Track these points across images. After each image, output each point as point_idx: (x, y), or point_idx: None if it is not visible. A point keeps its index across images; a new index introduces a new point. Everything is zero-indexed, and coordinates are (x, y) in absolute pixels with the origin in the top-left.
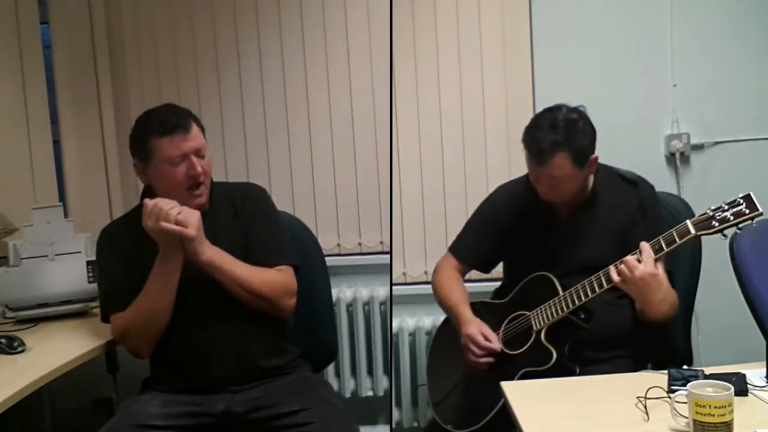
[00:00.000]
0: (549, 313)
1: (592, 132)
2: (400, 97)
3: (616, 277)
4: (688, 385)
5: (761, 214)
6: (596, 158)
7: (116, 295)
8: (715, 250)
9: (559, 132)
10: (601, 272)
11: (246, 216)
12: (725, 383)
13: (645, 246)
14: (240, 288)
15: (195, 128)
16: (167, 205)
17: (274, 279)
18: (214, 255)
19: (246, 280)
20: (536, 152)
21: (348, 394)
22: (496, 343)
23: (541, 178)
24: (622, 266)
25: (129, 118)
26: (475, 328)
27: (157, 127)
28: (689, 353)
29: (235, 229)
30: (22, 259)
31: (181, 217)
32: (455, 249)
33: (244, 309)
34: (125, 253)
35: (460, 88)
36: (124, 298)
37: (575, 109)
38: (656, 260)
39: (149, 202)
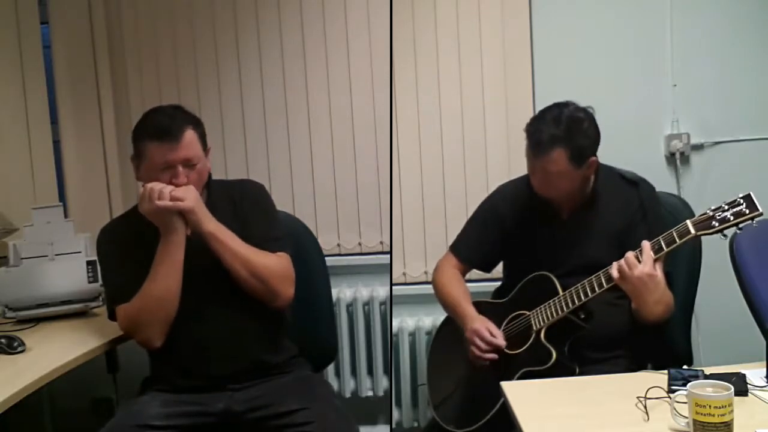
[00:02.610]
0: (549, 312)
1: (595, 134)
2: (400, 97)
3: (615, 274)
4: (688, 385)
5: (761, 214)
6: (595, 161)
7: (121, 287)
8: (715, 250)
9: (561, 128)
10: (601, 272)
11: (244, 211)
12: (725, 383)
13: (646, 245)
14: (240, 266)
15: (189, 137)
16: (159, 185)
17: (273, 262)
18: (217, 228)
19: (247, 257)
20: (535, 143)
21: (348, 394)
22: (500, 339)
23: (536, 170)
24: (623, 263)
25: (129, 118)
26: (481, 323)
27: (150, 130)
28: (689, 353)
29: (234, 225)
30: (22, 259)
31: (175, 193)
32: (456, 248)
33: (242, 305)
34: (126, 249)
35: (460, 88)
36: (129, 290)
37: (583, 109)
38: (655, 261)
39: (143, 187)
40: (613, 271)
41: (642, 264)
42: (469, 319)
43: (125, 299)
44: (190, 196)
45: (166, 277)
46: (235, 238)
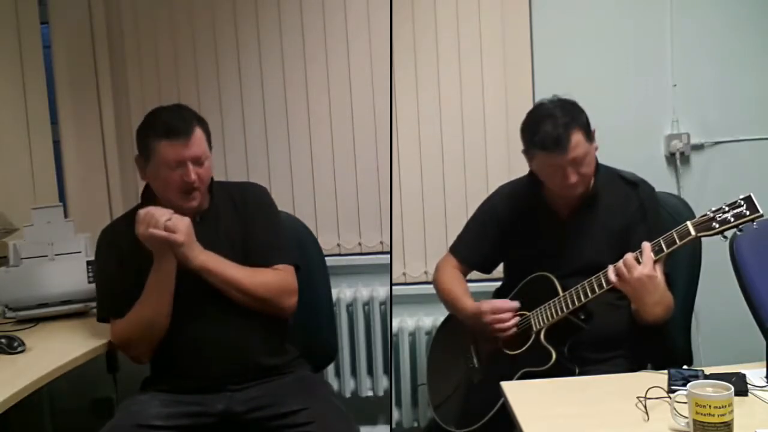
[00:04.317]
0: (549, 313)
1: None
2: (400, 97)
3: (613, 277)
4: (688, 385)
5: (762, 215)
6: (595, 130)
7: (114, 298)
8: (715, 251)
9: (563, 113)
10: (601, 273)
11: (247, 215)
12: (725, 383)
13: (646, 246)
14: (236, 291)
15: (198, 135)
16: (158, 212)
17: (270, 279)
18: (206, 260)
19: (241, 282)
20: (554, 141)
21: (348, 394)
22: (511, 303)
23: (565, 168)
24: (621, 265)
25: (129, 118)
26: (486, 303)
27: (159, 129)
28: (689, 353)
29: (236, 228)
30: (22, 259)
31: (170, 223)
32: (455, 249)
33: (242, 308)
34: (124, 254)
35: (460, 88)
36: (122, 302)
37: (557, 97)
38: (655, 262)
39: (142, 211)
40: (611, 273)
41: (641, 265)
42: (474, 309)
43: (117, 311)
44: (182, 229)
45: (157, 304)
46: (226, 265)
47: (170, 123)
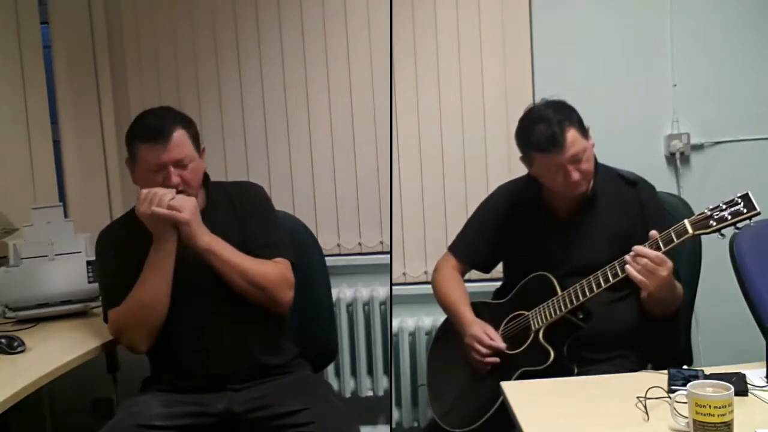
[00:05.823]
0: (547, 312)
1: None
2: (400, 97)
3: (633, 268)
4: (688, 385)
5: (759, 213)
6: (589, 127)
7: (114, 292)
8: (715, 251)
9: (554, 113)
10: (599, 271)
11: (244, 214)
12: (725, 383)
13: (654, 235)
14: (238, 276)
15: (179, 137)
16: (161, 191)
17: (271, 270)
18: (211, 241)
19: (244, 268)
20: (550, 141)
21: (348, 394)
22: (500, 342)
23: (566, 166)
24: (643, 250)
25: (129, 118)
26: (479, 328)
27: (139, 132)
28: (689, 353)
29: (234, 227)
30: (22, 259)
31: (174, 202)
32: (455, 248)
33: (242, 306)
34: (123, 253)
35: (460, 88)
36: (122, 296)
37: (545, 99)
38: None
39: (144, 190)
40: (628, 265)
41: (663, 260)
42: (467, 325)
43: (116, 304)
44: (188, 208)
45: (154, 285)
46: (230, 250)
47: (149, 126)
